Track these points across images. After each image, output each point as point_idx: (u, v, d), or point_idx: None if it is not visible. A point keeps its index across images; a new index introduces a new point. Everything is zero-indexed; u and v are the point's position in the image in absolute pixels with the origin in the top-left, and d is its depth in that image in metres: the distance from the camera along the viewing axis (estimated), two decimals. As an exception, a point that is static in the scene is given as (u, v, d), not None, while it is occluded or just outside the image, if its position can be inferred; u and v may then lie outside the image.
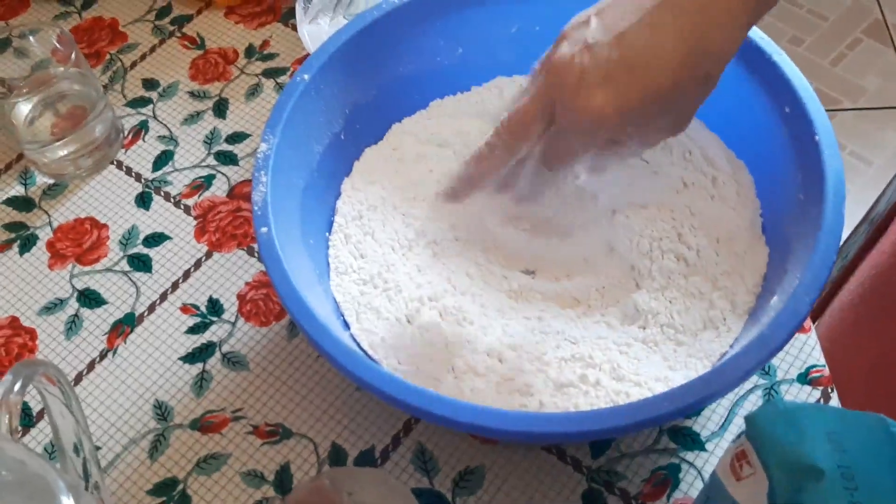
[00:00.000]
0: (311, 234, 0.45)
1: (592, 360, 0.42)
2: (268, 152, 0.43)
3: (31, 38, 0.56)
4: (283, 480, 0.45)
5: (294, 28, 0.63)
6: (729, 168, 0.46)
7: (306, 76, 0.45)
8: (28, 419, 0.47)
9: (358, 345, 0.44)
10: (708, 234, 0.45)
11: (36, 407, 0.48)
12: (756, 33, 0.44)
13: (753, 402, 0.46)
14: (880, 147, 1.35)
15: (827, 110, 0.41)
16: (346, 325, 0.44)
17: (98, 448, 0.46)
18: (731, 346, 0.42)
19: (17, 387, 0.35)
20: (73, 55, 0.55)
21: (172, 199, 0.55)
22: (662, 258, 0.46)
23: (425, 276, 0.47)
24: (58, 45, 0.56)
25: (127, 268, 0.53)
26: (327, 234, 0.48)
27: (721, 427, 0.45)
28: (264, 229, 0.40)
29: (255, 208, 0.41)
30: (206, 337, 0.50)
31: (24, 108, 0.56)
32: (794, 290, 0.37)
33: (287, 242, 0.42)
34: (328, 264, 0.47)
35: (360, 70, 0.48)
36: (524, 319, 0.46)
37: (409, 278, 0.46)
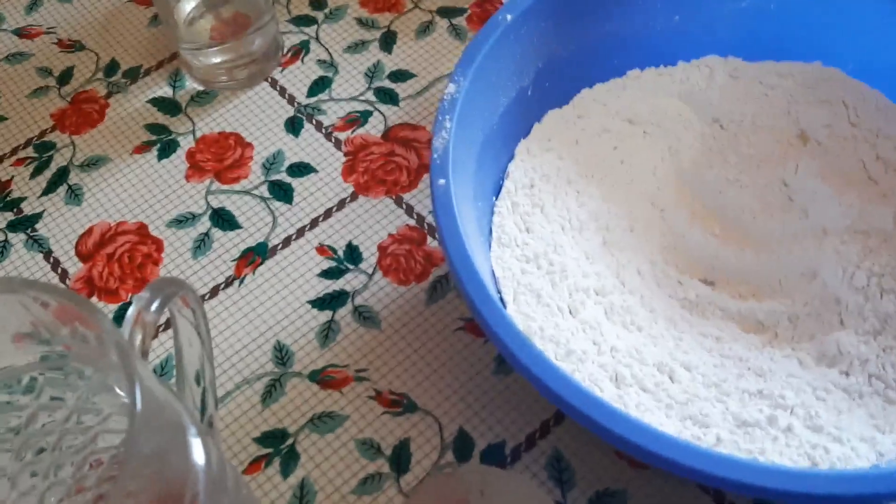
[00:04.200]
0: (480, 196, 0.40)
1: (784, 400, 0.36)
2: (456, 95, 0.38)
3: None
4: (400, 458, 0.40)
5: (478, -33, 0.57)
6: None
7: (509, 16, 0.40)
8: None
9: (513, 328, 0.39)
10: (945, 281, 0.38)
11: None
12: None
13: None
14: None
15: None
16: (503, 303, 0.39)
17: (211, 381, 0.43)
18: (958, 419, 0.35)
19: (154, 306, 0.31)
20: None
21: (324, 130, 0.51)
22: (881, 298, 0.39)
23: (594, 265, 0.42)
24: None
25: (266, 194, 0.49)
26: (494, 198, 0.43)
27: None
28: (441, 181, 0.36)
29: (435, 156, 0.36)
30: (340, 284, 0.46)
31: (186, 6, 0.52)
32: None
33: (460, 200, 0.37)
34: (490, 232, 0.42)
35: (564, 20, 0.42)
36: (700, 336, 0.40)
37: (576, 264, 0.41)
